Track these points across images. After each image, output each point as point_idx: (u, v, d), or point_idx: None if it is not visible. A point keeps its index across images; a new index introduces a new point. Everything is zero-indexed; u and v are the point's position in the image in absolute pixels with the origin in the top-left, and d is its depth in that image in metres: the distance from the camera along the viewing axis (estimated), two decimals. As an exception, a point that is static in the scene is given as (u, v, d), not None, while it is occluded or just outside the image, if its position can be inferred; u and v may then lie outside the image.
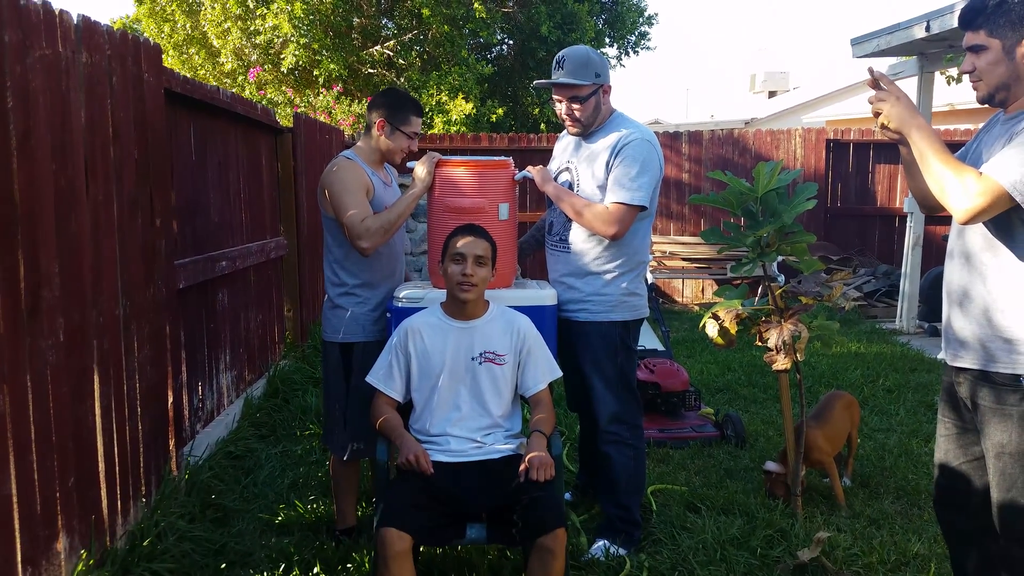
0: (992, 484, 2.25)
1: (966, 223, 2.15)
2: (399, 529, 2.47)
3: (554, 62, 3.17)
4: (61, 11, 2.58)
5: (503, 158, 3.26)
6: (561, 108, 3.18)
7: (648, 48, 13.80)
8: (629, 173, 3.04)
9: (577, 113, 3.14)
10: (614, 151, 3.08)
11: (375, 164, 3.23)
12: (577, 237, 3.20)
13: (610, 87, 3.16)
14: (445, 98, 10.87)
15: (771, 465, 3.64)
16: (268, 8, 11.03)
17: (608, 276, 3.17)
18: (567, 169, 3.26)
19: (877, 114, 2.25)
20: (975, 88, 2.26)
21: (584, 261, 3.19)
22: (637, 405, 3.31)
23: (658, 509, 3.59)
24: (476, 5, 10.56)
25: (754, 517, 3.44)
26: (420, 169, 3.16)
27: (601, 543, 3.21)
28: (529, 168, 3.26)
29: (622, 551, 3.17)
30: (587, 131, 3.19)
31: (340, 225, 3.07)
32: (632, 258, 3.19)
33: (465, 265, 2.81)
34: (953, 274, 2.33)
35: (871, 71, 2.27)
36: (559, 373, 3.02)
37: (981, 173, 2.09)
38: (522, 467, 2.65)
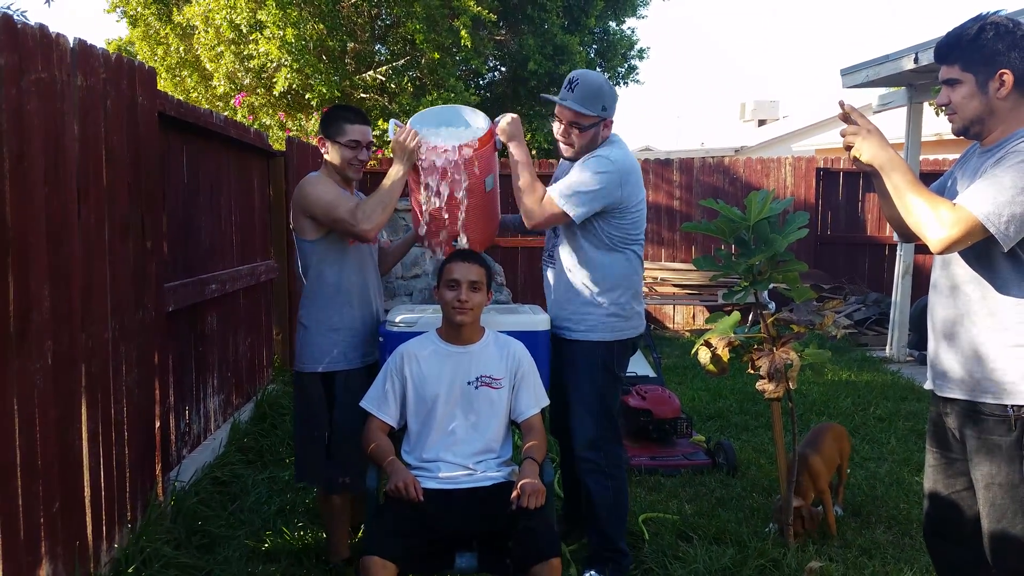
0: (983, 515, 2.25)
1: (942, 253, 2.18)
2: (382, 557, 2.45)
3: (566, 80, 3.10)
4: (58, 35, 2.58)
5: (482, 128, 3.07)
6: (558, 128, 3.15)
7: (638, 81, 13.88)
8: (570, 179, 3.05)
9: (574, 138, 3.11)
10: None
11: (340, 184, 3.17)
12: (564, 253, 3.19)
13: (612, 122, 3.13)
14: (437, 123, 10.90)
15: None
16: (261, 33, 11.08)
17: (591, 294, 3.13)
18: None
19: (849, 147, 2.28)
20: (950, 121, 2.29)
21: (569, 277, 3.17)
22: (616, 433, 3.25)
23: (650, 538, 3.57)
24: (463, 33, 10.63)
25: (746, 546, 3.42)
26: (399, 143, 2.99)
27: (590, 573, 3.18)
28: (502, 116, 3.12)
29: (612, 581, 3.14)
30: (578, 157, 3.16)
31: (335, 221, 3.01)
32: (618, 277, 3.15)
33: (460, 291, 2.82)
34: (938, 307, 2.34)
35: (842, 105, 2.31)
36: (547, 402, 3.01)
37: (955, 204, 2.12)
38: (513, 494, 2.64)
